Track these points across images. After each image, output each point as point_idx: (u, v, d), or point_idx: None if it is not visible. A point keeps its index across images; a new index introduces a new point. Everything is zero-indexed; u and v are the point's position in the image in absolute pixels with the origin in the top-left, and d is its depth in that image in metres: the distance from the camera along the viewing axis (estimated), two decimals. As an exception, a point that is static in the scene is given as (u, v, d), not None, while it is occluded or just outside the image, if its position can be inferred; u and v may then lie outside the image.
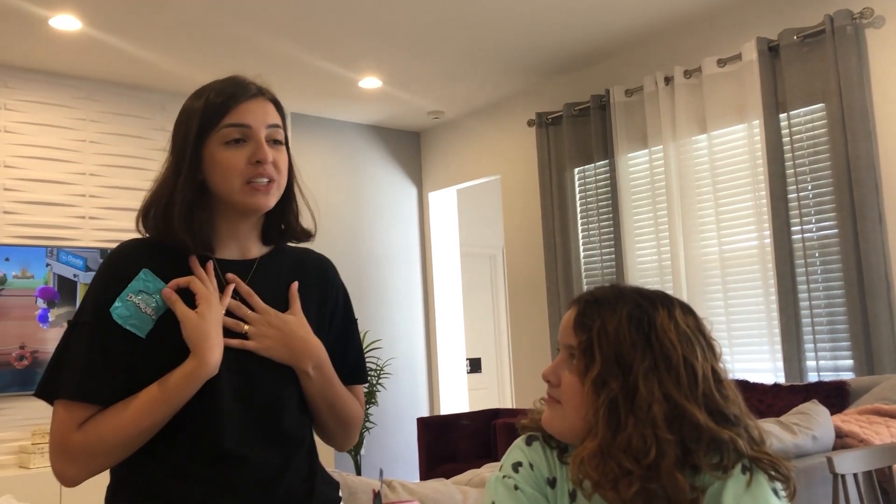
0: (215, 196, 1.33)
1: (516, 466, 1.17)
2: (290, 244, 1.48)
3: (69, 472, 1.23)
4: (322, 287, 1.45)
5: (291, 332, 1.33)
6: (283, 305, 1.37)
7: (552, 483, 1.16)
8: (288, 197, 1.42)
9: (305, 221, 1.47)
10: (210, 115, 1.32)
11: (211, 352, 1.23)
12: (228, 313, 1.31)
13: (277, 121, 1.37)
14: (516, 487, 1.14)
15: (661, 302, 1.14)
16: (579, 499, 1.14)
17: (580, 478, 1.10)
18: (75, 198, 4.65)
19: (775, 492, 1.05)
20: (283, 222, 1.43)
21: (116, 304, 1.26)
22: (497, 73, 5.07)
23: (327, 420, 1.40)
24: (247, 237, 1.39)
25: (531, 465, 1.17)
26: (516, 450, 1.20)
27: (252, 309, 1.33)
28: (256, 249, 1.41)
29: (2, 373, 4.25)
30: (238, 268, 1.37)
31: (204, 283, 1.30)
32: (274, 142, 1.35)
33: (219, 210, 1.35)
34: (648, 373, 1.07)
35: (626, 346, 1.09)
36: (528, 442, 1.20)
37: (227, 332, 1.28)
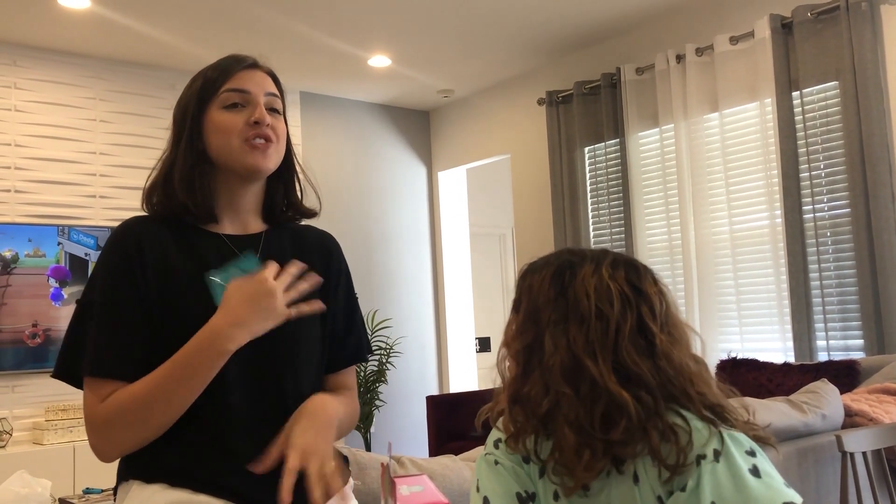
0: (215, 163, 1.35)
1: (497, 443, 1.18)
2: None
3: (98, 446, 1.25)
4: (325, 262, 1.46)
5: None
6: None
7: (527, 459, 1.16)
8: (289, 174, 1.43)
9: (309, 200, 1.47)
10: (209, 85, 1.35)
11: (233, 325, 1.23)
12: None
13: (275, 91, 1.39)
14: (496, 462, 1.15)
15: (592, 257, 1.10)
16: (547, 474, 1.13)
17: (504, 434, 1.12)
18: (85, 177, 4.66)
19: (755, 469, 0.99)
20: (286, 200, 1.43)
21: (217, 273, 1.29)
22: (507, 51, 5.03)
23: None
24: (247, 210, 1.40)
25: None
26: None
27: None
28: (256, 225, 1.41)
29: (15, 350, 4.29)
30: (244, 242, 1.38)
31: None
32: (272, 110, 1.36)
33: (219, 178, 1.36)
34: (556, 325, 1.05)
35: (542, 300, 1.08)
36: None
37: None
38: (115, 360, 1.24)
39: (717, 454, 1.00)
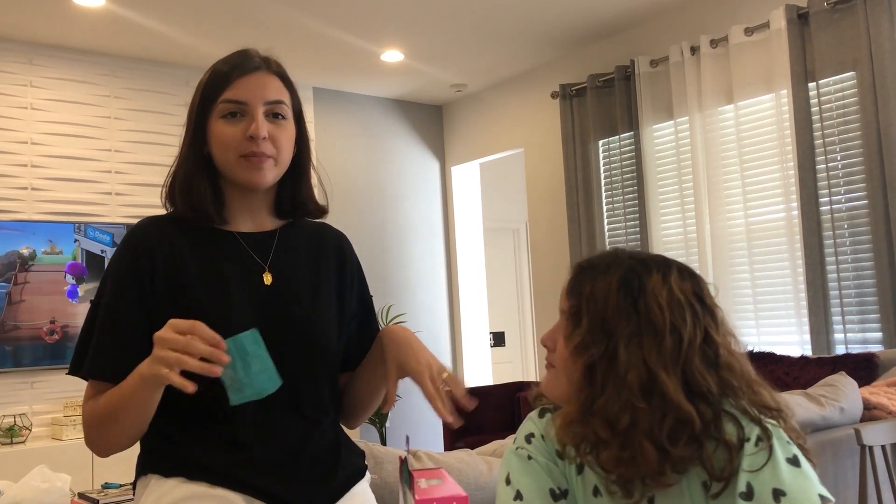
0: (219, 169, 1.35)
1: (529, 438, 1.18)
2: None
3: (86, 441, 1.28)
4: (340, 260, 1.46)
5: None
6: (300, 277, 1.38)
7: (562, 455, 1.16)
8: (300, 172, 1.41)
9: (319, 197, 1.46)
10: (211, 89, 1.32)
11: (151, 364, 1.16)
12: None
13: (280, 96, 1.34)
14: (529, 457, 1.15)
15: (657, 266, 1.11)
16: (586, 471, 1.14)
17: (563, 443, 1.11)
18: (101, 174, 4.70)
19: (795, 459, 1.02)
20: (295, 198, 1.42)
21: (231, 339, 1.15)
22: (520, 44, 5.02)
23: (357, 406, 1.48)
24: (259, 210, 1.39)
25: (543, 437, 1.17)
26: (529, 422, 1.21)
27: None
28: (270, 222, 1.41)
29: (34, 347, 4.33)
30: (259, 239, 1.38)
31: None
32: (274, 116, 1.33)
33: (227, 183, 1.36)
34: (631, 338, 1.05)
35: (612, 310, 1.07)
36: (541, 414, 1.21)
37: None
38: (109, 363, 1.25)
39: (759, 440, 1.02)
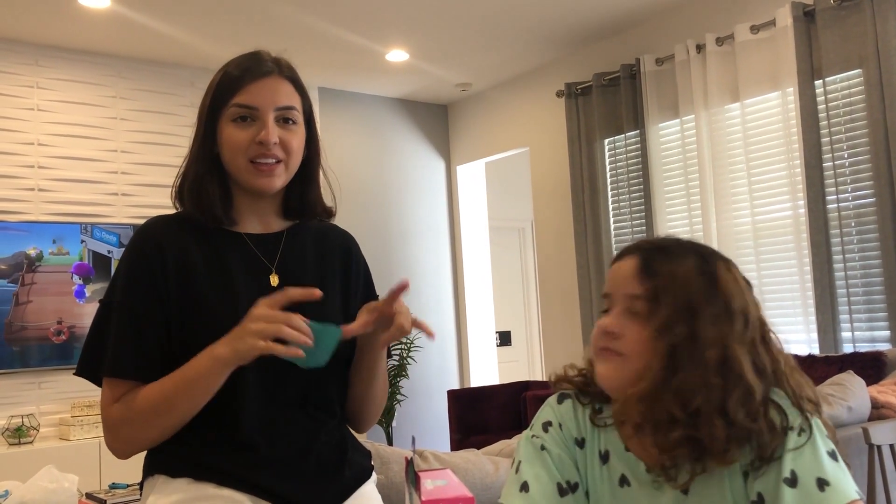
0: (228, 172, 1.35)
1: (546, 426, 1.16)
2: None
3: (111, 443, 1.27)
4: (345, 259, 1.46)
5: None
6: (307, 278, 1.38)
7: (581, 443, 1.15)
8: (309, 175, 1.42)
9: (327, 199, 1.47)
10: (222, 92, 1.32)
11: (236, 341, 1.19)
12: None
13: (291, 101, 1.34)
14: (543, 448, 1.14)
15: (717, 254, 1.15)
16: (612, 460, 1.13)
17: (622, 419, 1.10)
18: (107, 175, 4.71)
19: (833, 453, 1.03)
20: (303, 200, 1.42)
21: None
22: (525, 43, 5.01)
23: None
24: (266, 212, 1.40)
25: (560, 425, 1.16)
26: (547, 408, 1.19)
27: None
28: (278, 224, 1.42)
29: (41, 347, 4.35)
30: (266, 241, 1.38)
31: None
32: (284, 121, 1.33)
33: (236, 184, 1.36)
34: (714, 319, 1.07)
35: (695, 291, 1.09)
36: (560, 400, 1.20)
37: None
38: (131, 360, 1.25)
39: (801, 430, 1.04)
